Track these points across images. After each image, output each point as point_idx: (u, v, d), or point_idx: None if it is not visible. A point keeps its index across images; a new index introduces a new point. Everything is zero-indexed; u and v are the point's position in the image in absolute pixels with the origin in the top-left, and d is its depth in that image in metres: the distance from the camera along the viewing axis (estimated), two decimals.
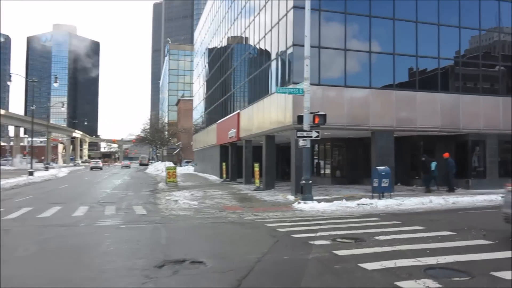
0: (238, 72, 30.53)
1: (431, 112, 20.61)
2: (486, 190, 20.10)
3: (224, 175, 32.97)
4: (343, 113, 19.20)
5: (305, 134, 16.37)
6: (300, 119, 16.77)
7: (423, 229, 9.78)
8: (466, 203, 16.18)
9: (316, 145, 26.69)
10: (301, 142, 16.70)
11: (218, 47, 38.46)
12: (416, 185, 21.92)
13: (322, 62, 19.37)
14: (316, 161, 27.33)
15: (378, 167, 17.36)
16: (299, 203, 15.96)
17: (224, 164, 33.49)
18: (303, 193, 16.30)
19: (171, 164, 48.75)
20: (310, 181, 16.33)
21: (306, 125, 16.41)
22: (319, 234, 9.32)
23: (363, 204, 15.62)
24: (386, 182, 16.86)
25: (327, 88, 19.20)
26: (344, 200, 16.04)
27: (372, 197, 16.92)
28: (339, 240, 8.63)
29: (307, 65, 16.48)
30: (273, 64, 22.20)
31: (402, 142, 22.66)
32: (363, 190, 20.53)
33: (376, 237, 8.76)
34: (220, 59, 37.28)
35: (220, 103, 36.60)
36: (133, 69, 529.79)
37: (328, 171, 25.28)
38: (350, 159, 24.62)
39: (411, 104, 20.39)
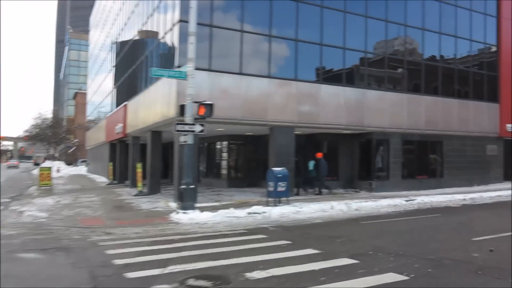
0: (128, 57, 26.53)
1: (336, 107, 18.70)
2: (390, 193, 18.68)
3: (111, 177, 28.72)
4: (238, 105, 16.42)
5: (186, 127, 13.27)
6: (182, 109, 13.64)
7: (316, 255, 7.19)
8: (370, 209, 14.28)
9: (207, 144, 23.78)
10: (181, 138, 13.58)
11: (110, 35, 33.94)
12: (318, 187, 19.90)
13: (214, 44, 16.43)
14: (208, 161, 24.41)
15: (274, 169, 14.84)
16: (177, 213, 12.86)
17: (111, 164, 29.21)
18: (183, 200, 13.17)
19: (60, 164, 42.80)
20: (192, 186, 13.26)
21: (188, 116, 13.32)
22: (169, 269, 6.28)
23: (255, 213, 12.95)
24: (283, 186, 14.37)
25: (220, 75, 16.27)
26: (232, 209, 13.23)
27: (267, 204, 14.36)
28: (190, 283, 5.66)
29: (192, 43, 13.41)
30: (161, 46, 18.84)
31: (305, 140, 20.58)
32: (261, 194, 17.90)
33: (248, 274, 5.93)
34: (110, 45, 32.86)
35: (110, 94, 32.15)
36: (37, 62, 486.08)
37: (225, 172, 22.46)
38: (249, 159, 22.04)
39: (315, 98, 18.27)
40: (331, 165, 20.87)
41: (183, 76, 13.55)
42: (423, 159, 21.94)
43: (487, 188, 21.57)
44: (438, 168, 21.93)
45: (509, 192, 19.41)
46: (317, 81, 18.48)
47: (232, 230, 10.20)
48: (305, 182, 18.76)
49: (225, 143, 22.48)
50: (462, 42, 22.91)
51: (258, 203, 14.77)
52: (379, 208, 14.42)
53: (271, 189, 14.49)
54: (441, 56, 22.35)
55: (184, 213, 12.67)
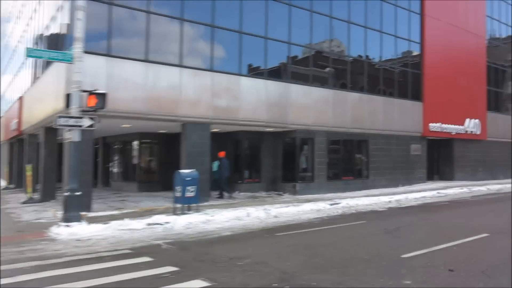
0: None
1: (257, 102, 17.03)
2: (314, 196, 17.39)
3: (8, 181, 25.02)
4: (143, 97, 14.14)
5: (71, 121, 10.85)
6: (67, 99, 11.18)
7: None
8: (290, 215, 12.71)
9: (120, 143, 21.18)
10: (67, 134, 11.15)
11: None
12: (239, 191, 18.17)
13: (115, 26, 14.03)
14: (119, 163, 21.79)
15: (181, 171, 12.81)
16: (58, 226, 10.43)
17: (7, 166, 25.47)
18: (67, 210, 10.75)
19: None
20: (78, 193, 10.87)
21: (74, 108, 10.90)
22: None
23: (156, 224, 10.86)
24: (192, 191, 12.38)
25: (121, 62, 13.87)
26: (127, 220, 11.02)
27: (174, 212, 12.32)
28: None
29: (80, 19, 11.03)
30: (51, 27, 16.08)
31: (224, 138, 18.75)
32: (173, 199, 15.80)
33: None
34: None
35: (10, 86, 28.21)
36: None
37: (136, 175, 19.95)
38: (163, 160, 19.72)
39: (233, 91, 16.45)
40: (253, 165, 19.33)
41: (68, 59, 11.08)
42: (349, 159, 21.02)
43: (412, 188, 21.11)
44: (364, 169, 21.10)
45: (433, 192, 18.96)
46: (236, 73, 16.67)
47: (114, 250, 8.03)
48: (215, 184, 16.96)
49: (136, 142, 19.98)
50: (387, 39, 22.34)
51: (165, 211, 12.73)
52: (301, 214, 12.90)
53: (178, 194, 12.44)
54: (367, 56, 21.57)
55: (67, 226, 10.29)
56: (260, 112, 17.00)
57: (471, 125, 26.51)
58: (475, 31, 27.51)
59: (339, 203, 15.22)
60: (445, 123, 24.57)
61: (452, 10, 25.61)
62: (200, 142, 15.33)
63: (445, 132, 24.69)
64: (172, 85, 14.84)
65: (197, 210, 12.64)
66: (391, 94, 22.37)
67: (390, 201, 16.25)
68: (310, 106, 18.63)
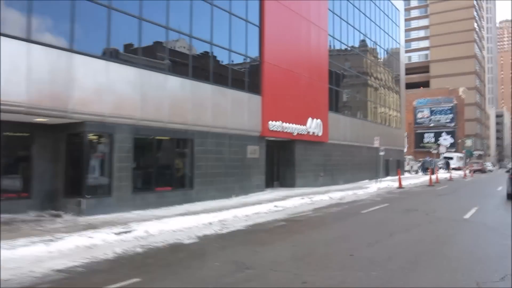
0: None
1: (10, 75, 10.80)
2: (108, 217, 11.93)
3: None
4: None
5: None
6: None
7: None
8: (26, 269, 7.02)
9: None
10: None
11: None
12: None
13: None
14: None
15: None
16: None
17: None
18: None
19: None
20: None
21: None
22: None
23: None
24: None
25: None
26: None
27: None
28: None
29: None
30: None
31: None
32: None
33: None
34: None
35: None
36: None
37: None
38: None
39: None
40: (18, 173, 12.98)
41: None
42: (167, 164, 15.97)
43: (247, 200, 17.09)
44: (187, 176, 16.30)
45: (269, 206, 15.03)
46: None
47: None
48: None
49: None
50: (220, 15, 18.05)
51: None
52: (57, 258, 7.35)
53: None
54: (191, 33, 16.88)
55: None
56: (16, 90, 10.80)
57: (313, 126, 24.00)
58: (318, 23, 25.29)
59: (133, 230, 10.02)
60: (286, 122, 21.36)
61: None
62: None
63: (286, 132, 21.49)
64: None
65: None
66: (224, 83, 18.07)
67: (211, 223, 11.64)
68: (106, 89, 13.04)
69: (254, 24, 19.99)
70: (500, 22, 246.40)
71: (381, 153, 29.28)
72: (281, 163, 23.77)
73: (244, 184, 18.85)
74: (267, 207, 14.81)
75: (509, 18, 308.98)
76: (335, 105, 28.31)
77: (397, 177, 28.49)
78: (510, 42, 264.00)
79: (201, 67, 17.20)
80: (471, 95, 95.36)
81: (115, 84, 13.29)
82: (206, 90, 16.83)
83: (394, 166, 39.94)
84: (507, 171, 26.69)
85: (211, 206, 14.98)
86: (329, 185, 25.90)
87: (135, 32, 14.28)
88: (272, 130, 20.39)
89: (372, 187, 25.77)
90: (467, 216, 13.36)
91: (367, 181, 31.46)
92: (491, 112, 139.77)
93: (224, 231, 10.72)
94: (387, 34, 39.22)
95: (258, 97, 19.75)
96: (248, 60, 19.89)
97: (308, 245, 9.14)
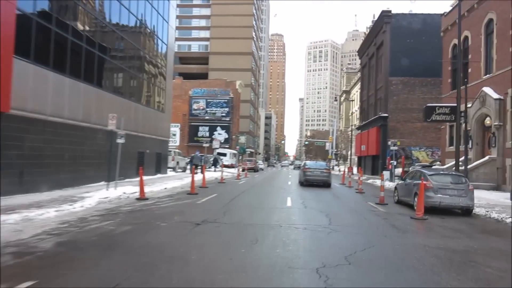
0: None
1: None
2: None
3: None
4: None
5: None
6: None
7: None
8: None
9: None
10: None
11: None
12: None
13: None
14: None
15: None
16: None
17: None
18: None
19: None
20: None
21: None
22: None
23: None
24: None
25: None
26: None
27: None
28: None
29: None
30: None
31: None
32: None
33: None
34: None
35: None
36: None
37: None
38: None
39: None
40: None
41: None
42: None
43: None
44: None
45: None
46: None
47: None
48: None
49: None
50: None
51: None
52: None
53: None
54: None
55: None
56: None
57: None
58: None
59: None
60: None
61: None
62: None
63: None
64: None
65: None
66: None
67: None
68: None
69: None
70: (272, 35, 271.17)
71: (120, 140, 17.73)
72: None
73: None
74: None
75: (279, 33, 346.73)
76: (34, 49, 15.43)
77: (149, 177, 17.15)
78: (281, 53, 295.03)
79: None
80: (246, 92, 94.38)
81: None
82: None
83: (152, 162, 29.19)
84: (296, 168, 20.52)
85: None
86: (12, 193, 13.06)
87: None
88: None
89: (93, 198, 14.23)
90: None
91: (102, 183, 19.72)
92: (262, 113, 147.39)
93: None
94: None
95: None
96: None
97: None
